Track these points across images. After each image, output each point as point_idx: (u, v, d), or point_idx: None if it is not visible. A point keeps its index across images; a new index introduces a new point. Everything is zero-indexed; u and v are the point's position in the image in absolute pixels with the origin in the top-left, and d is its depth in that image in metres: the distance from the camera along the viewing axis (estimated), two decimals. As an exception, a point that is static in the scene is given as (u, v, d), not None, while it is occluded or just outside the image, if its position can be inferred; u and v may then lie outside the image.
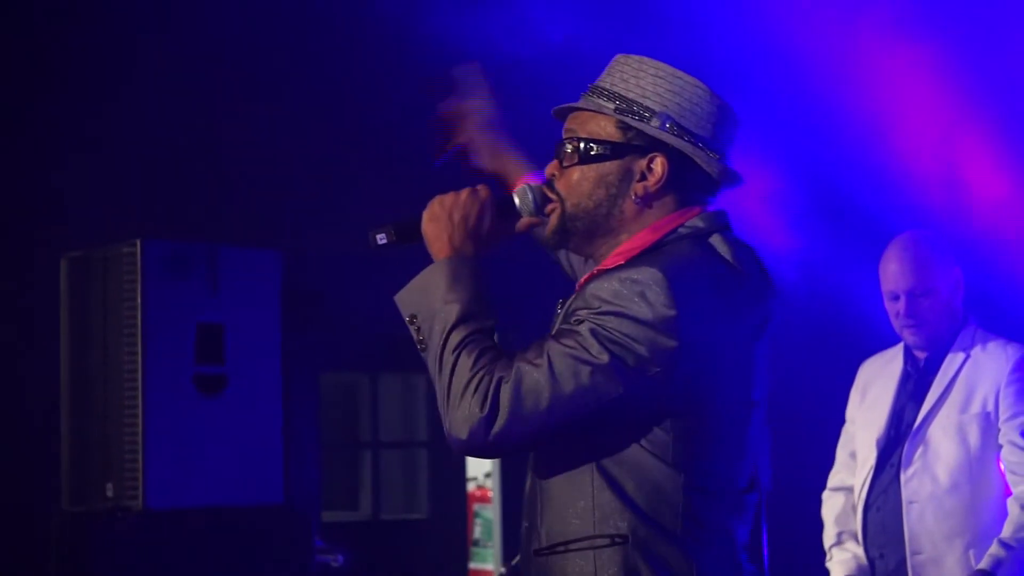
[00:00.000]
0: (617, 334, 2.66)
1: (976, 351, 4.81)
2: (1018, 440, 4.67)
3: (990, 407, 4.73)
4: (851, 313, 5.76)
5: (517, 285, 3.48)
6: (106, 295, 5.20)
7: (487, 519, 8.66)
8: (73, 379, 5.33)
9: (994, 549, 4.60)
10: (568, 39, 6.33)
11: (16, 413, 5.74)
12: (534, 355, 2.69)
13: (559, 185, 2.91)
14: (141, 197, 5.95)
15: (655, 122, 2.84)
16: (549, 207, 2.94)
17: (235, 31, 6.24)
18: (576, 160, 2.88)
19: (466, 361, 2.69)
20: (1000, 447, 4.71)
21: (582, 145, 2.87)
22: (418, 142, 6.84)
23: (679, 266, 2.74)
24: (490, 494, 8.09)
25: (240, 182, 6.23)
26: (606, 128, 2.87)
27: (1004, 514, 4.67)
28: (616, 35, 6.24)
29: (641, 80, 2.88)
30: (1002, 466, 4.70)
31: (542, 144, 3.14)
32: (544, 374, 2.66)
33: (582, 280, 2.89)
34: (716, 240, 2.84)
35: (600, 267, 2.86)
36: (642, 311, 2.67)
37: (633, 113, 2.85)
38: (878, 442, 4.87)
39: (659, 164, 2.84)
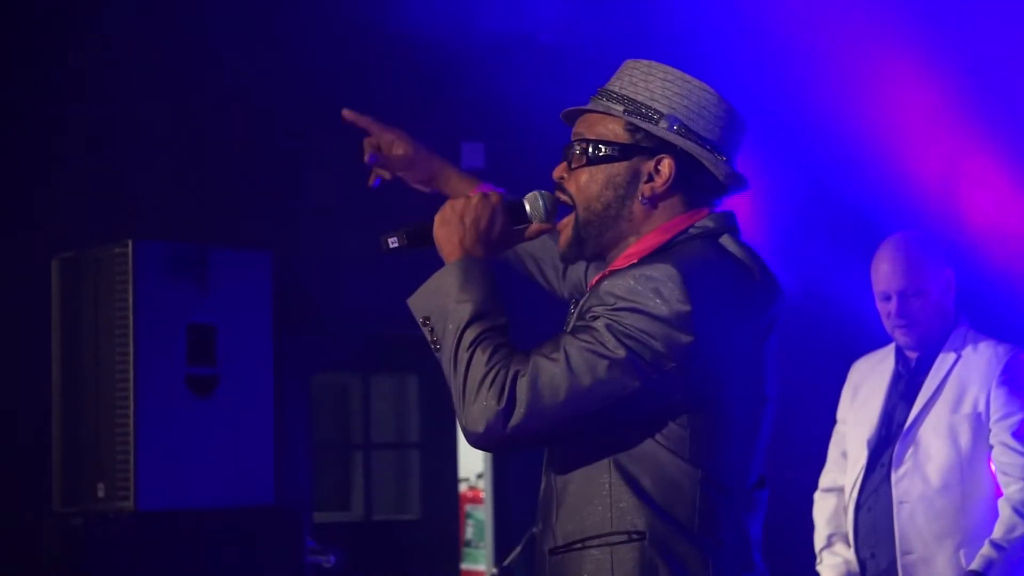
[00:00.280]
0: (633, 329, 2.69)
1: (967, 351, 4.82)
2: (1009, 441, 4.67)
3: (981, 407, 4.74)
4: (843, 313, 5.77)
5: (526, 289, 3.48)
6: (97, 296, 5.20)
7: (479, 520, 8.66)
8: (64, 380, 5.32)
9: (985, 550, 4.61)
10: (560, 39, 6.34)
11: (7, 414, 5.74)
12: (550, 350, 2.72)
13: (568, 186, 2.95)
14: (133, 198, 5.95)
15: (663, 124, 2.88)
16: (563, 222, 2.97)
17: (227, 32, 6.24)
18: (584, 161, 2.91)
19: (481, 357, 2.72)
20: (991, 447, 4.71)
21: (590, 147, 2.91)
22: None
23: (693, 263, 2.77)
24: (482, 495, 8.09)
25: (232, 183, 6.23)
26: (614, 130, 2.91)
27: (995, 514, 4.67)
28: (611, 36, 6.24)
29: (650, 83, 2.92)
30: (993, 467, 4.71)
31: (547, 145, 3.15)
32: (561, 368, 2.69)
33: (593, 281, 2.92)
34: (726, 240, 2.89)
35: (611, 267, 2.89)
36: (658, 307, 2.70)
37: (641, 115, 2.89)
38: (869, 442, 4.87)
39: (666, 166, 2.88)
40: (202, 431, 5.19)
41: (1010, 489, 4.65)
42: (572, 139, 2.96)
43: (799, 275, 6.17)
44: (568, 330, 2.79)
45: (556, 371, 2.69)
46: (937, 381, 4.81)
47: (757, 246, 2.94)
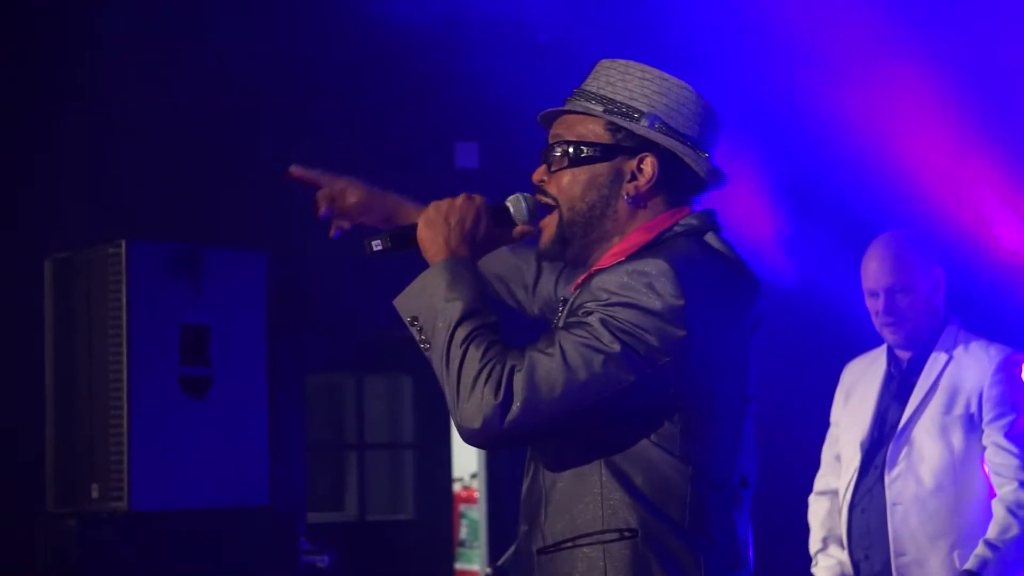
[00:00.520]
0: (628, 324, 2.69)
1: (959, 352, 4.82)
2: (1002, 441, 4.68)
3: (974, 408, 4.74)
4: (837, 315, 5.77)
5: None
6: (91, 296, 5.19)
7: (473, 520, 8.66)
8: (58, 381, 5.31)
9: (980, 550, 4.61)
10: (556, 38, 6.34)
11: (0, 414, 5.72)
12: (545, 345, 2.71)
13: (549, 189, 2.93)
14: (126, 198, 5.94)
15: (644, 122, 2.87)
16: (545, 220, 2.96)
17: (222, 33, 6.23)
18: (566, 163, 2.90)
19: (475, 353, 2.70)
20: (984, 448, 4.72)
21: (571, 148, 2.89)
22: (405, 144, 6.88)
23: (683, 259, 2.77)
24: (476, 495, 8.09)
25: (226, 183, 6.22)
26: (595, 130, 2.90)
27: (988, 515, 4.67)
28: (607, 36, 6.24)
29: (628, 82, 2.91)
30: (986, 468, 4.71)
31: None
32: (557, 363, 2.67)
33: (580, 279, 2.91)
34: (710, 238, 2.88)
35: (597, 266, 2.88)
36: (651, 301, 2.70)
37: (622, 114, 2.88)
38: (862, 444, 4.87)
39: (649, 164, 2.87)
40: (196, 431, 5.18)
41: (1004, 490, 4.66)
42: (551, 141, 2.94)
43: (793, 276, 6.18)
44: (560, 326, 2.78)
45: (552, 366, 2.68)
46: (929, 382, 4.81)
47: (738, 244, 2.93)
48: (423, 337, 2.78)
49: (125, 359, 5.07)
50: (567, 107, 2.94)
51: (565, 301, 2.94)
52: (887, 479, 4.77)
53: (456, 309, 2.74)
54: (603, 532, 2.75)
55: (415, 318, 2.79)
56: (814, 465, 5.10)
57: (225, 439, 5.24)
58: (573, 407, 2.69)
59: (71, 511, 5.20)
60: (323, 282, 6.41)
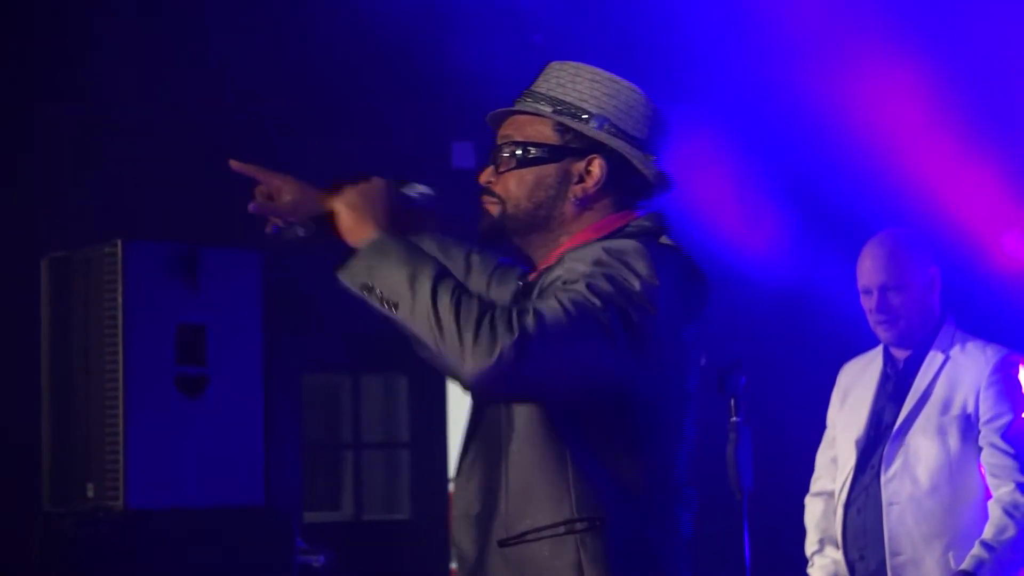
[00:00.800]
0: (611, 294, 2.69)
1: (955, 352, 4.82)
2: (999, 442, 4.68)
3: (970, 409, 4.74)
4: (833, 315, 5.77)
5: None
6: (87, 296, 5.19)
7: (469, 520, 8.64)
8: (54, 380, 5.31)
9: (976, 551, 4.62)
10: (549, 38, 6.34)
11: (-4, 414, 5.72)
12: (538, 301, 2.69)
13: (496, 190, 2.93)
14: (122, 198, 5.94)
15: (593, 124, 2.87)
16: (489, 205, 2.94)
17: (218, 33, 6.23)
18: (514, 164, 2.90)
19: (469, 303, 2.66)
20: (980, 449, 4.72)
21: (519, 149, 2.89)
22: (402, 144, 6.88)
23: (653, 245, 2.79)
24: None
25: (222, 183, 6.21)
26: (543, 131, 2.90)
27: (984, 516, 4.67)
28: (601, 36, 6.24)
29: (578, 84, 2.90)
30: (983, 468, 4.71)
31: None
32: (559, 310, 2.65)
33: (545, 263, 2.90)
34: (664, 240, 2.89)
35: (544, 264, 2.89)
36: (630, 277, 2.71)
37: (571, 115, 2.87)
38: (858, 443, 4.87)
39: (597, 166, 2.87)
40: (192, 431, 5.18)
41: (1000, 491, 4.66)
42: (499, 142, 2.94)
43: (789, 278, 6.18)
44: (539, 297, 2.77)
45: (557, 310, 2.65)
46: (926, 382, 4.81)
47: (687, 247, 2.95)
48: (386, 297, 2.71)
49: (121, 358, 5.07)
50: (516, 108, 2.93)
51: (527, 286, 2.92)
52: (883, 479, 4.77)
53: (429, 269, 2.70)
54: (574, 521, 2.73)
55: (367, 285, 2.73)
56: (810, 466, 5.10)
57: (221, 438, 5.24)
58: (574, 358, 2.66)
59: (67, 510, 5.20)
60: (319, 282, 6.40)
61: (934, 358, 4.83)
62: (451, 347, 2.64)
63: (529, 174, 2.88)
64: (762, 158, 6.27)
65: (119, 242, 5.11)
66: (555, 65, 2.96)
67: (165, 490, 5.14)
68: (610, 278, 2.70)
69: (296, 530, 5.76)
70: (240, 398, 5.31)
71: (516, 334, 2.61)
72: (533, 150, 2.88)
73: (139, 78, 6.06)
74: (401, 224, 2.91)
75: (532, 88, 2.94)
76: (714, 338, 4.89)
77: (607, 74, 2.92)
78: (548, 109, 2.89)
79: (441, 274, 2.70)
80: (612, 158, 2.87)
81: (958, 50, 5.96)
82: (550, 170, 2.87)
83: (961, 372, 4.78)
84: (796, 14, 6.03)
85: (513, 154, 2.89)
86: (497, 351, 2.60)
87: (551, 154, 2.88)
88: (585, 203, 2.88)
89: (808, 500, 5.06)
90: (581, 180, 2.87)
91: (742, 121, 6.29)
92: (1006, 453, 4.67)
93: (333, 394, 8.63)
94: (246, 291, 5.35)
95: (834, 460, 4.98)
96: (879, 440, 4.84)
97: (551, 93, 2.90)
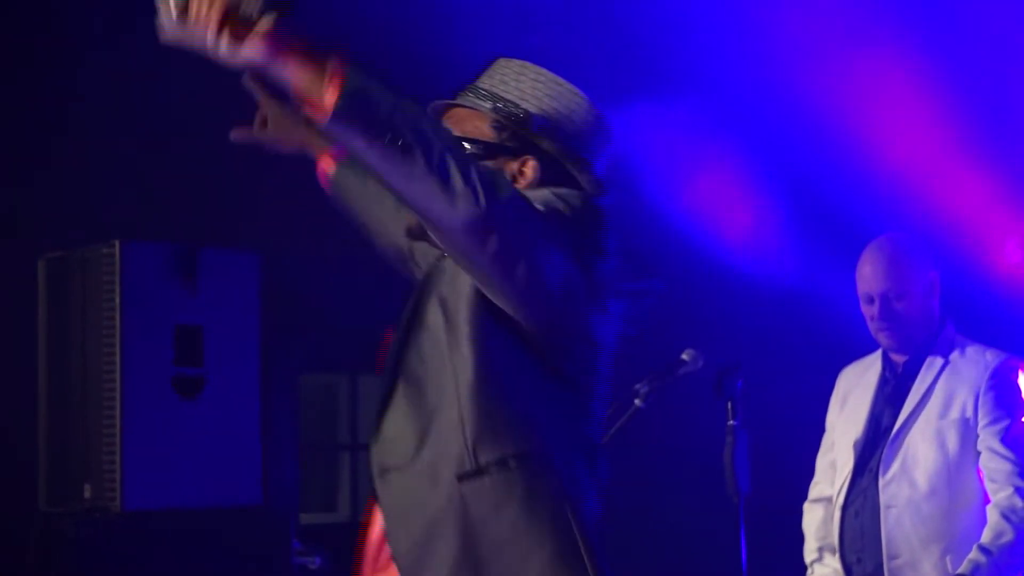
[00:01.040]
0: (564, 217, 2.69)
1: (955, 356, 4.82)
2: (997, 447, 4.68)
3: (969, 413, 4.74)
4: (831, 319, 5.77)
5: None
6: (84, 296, 5.19)
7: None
8: (51, 381, 5.31)
9: (973, 554, 4.61)
10: (546, 40, 6.32)
11: (-7, 415, 5.72)
12: None
13: None
14: (120, 199, 5.93)
15: (531, 124, 2.83)
16: None
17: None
18: None
19: (461, 148, 2.61)
20: (979, 453, 4.72)
21: None
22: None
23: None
24: (469, 496, 8.10)
25: (220, 184, 6.22)
26: (481, 127, 2.86)
27: (982, 520, 4.67)
28: (599, 38, 6.24)
29: (521, 83, 2.87)
30: (981, 473, 4.71)
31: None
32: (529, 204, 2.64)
33: None
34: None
35: None
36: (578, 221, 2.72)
37: (509, 113, 2.83)
38: (856, 445, 4.87)
39: (531, 167, 2.84)
40: (189, 432, 5.18)
41: (999, 495, 4.66)
42: None
43: (789, 281, 6.18)
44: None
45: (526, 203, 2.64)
46: (925, 386, 4.81)
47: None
48: (394, 138, 2.51)
49: (118, 359, 5.06)
50: (457, 101, 2.91)
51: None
52: (881, 482, 4.77)
53: (418, 110, 2.58)
54: (518, 456, 2.71)
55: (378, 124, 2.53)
56: (808, 471, 5.09)
57: (218, 439, 5.24)
58: (540, 245, 2.62)
59: (64, 511, 5.20)
60: (316, 282, 6.40)
61: (933, 362, 4.83)
62: (446, 190, 2.52)
63: None
64: (760, 160, 6.26)
65: (117, 243, 5.10)
66: (502, 62, 2.93)
67: (162, 490, 5.14)
68: (558, 215, 2.69)
69: (292, 531, 5.76)
70: (237, 399, 5.31)
71: (507, 193, 2.58)
72: (468, 146, 2.82)
73: (137, 78, 6.06)
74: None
75: (475, 83, 2.91)
76: (711, 341, 4.90)
77: (552, 75, 2.89)
78: (487, 105, 2.85)
79: (425, 110, 2.66)
80: (546, 160, 2.84)
81: (959, 52, 5.96)
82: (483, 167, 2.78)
83: (960, 376, 4.78)
84: (799, 16, 6.03)
85: None
86: (484, 201, 2.52)
87: (486, 151, 2.83)
88: None
89: (807, 506, 5.05)
90: (514, 180, 2.82)
91: (742, 123, 6.28)
92: (1005, 458, 4.67)
93: (330, 395, 8.62)
94: (243, 292, 5.35)
95: (832, 465, 4.98)
96: (877, 443, 4.84)
97: (493, 89, 2.87)
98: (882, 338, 4.87)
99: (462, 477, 2.71)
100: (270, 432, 5.61)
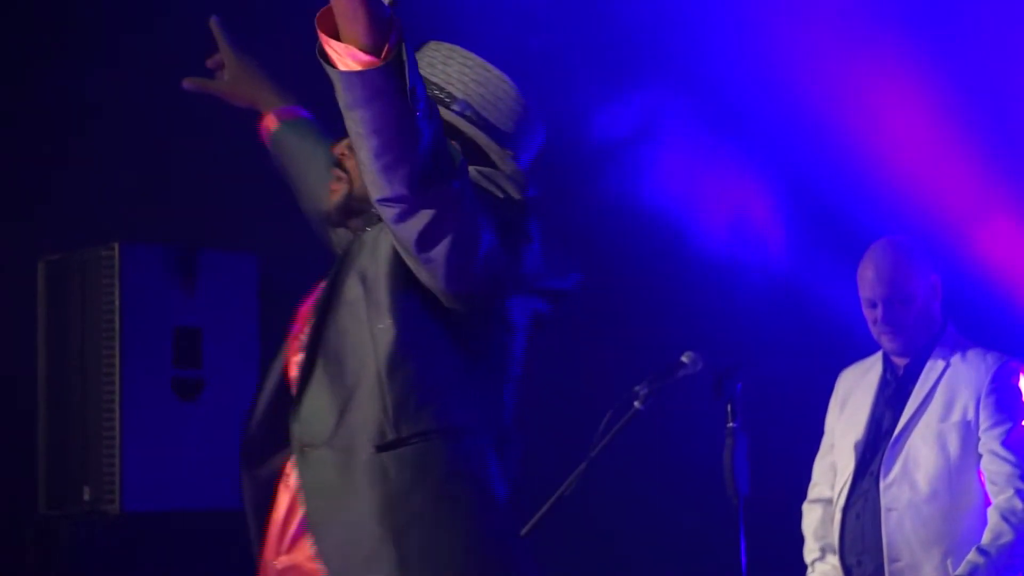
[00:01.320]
0: (495, 200, 2.69)
1: (956, 359, 4.82)
2: (998, 449, 4.67)
3: (970, 416, 4.74)
4: (831, 320, 5.77)
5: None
6: (84, 298, 5.19)
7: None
8: (50, 382, 5.31)
9: (972, 556, 4.61)
10: (546, 43, 6.32)
11: (-8, 417, 5.72)
12: None
13: (347, 163, 2.88)
14: (119, 200, 5.93)
15: (455, 108, 2.81)
16: (335, 184, 2.90)
17: (212, 34, 6.22)
18: None
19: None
20: (980, 456, 4.71)
21: None
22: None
23: None
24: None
25: (219, 185, 6.21)
26: None
27: (983, 523, 4.66)
28: (599, 40, 6.24)
29: (448, 66, 2.85)
30: (983, 475, 4.71)
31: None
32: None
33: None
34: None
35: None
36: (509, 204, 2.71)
37: (433, 96, 2.80)
38: (856, 447, 4.87)
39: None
40: (188, 433, 5.18)
41: (999, 498, 4.65)
42: None
43: (788, 282, 6.18)
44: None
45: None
46: (926, 389, 4.81)
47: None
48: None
49: (118, 361, 5.07)
50: None
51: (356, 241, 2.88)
52: (882, 485, 4.76)
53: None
54: (436, 431, 2.69)
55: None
56: (807, 472, 5.09)
57: (217, 441, 5.23)
58: (475, 223, 2.60)
59: (63, 513, 5.20)
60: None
61: (934, 365, 4.83)
62: (415, 152, 2.53)
63: None
64: (761, 162, 6.26)
65: (116, 245, 5.11)
66: (432, 45, 2.90)
67: (161, 492, 5.14)
68: (488, 194, 2.69)
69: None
70: (236, 401, 5.29)
71: (454, 171, 2.56)
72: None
73: (136, 79, 6.06)
74: None
75: None
76: (711, 343, 4.90)
77: (480, 61, 2.86)
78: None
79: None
80: (468, 146, 2.80)
81: (963, 55, 5.95)
82: None
83: (961, 379, 4.78)
84: (801, 19, 6.03)
85: None
86: (441, 173, 2.54)
87: None
88: None
89: (805, 507, 5.05)
90: None
91: (742, 123, 6.28)
92: (1006, 460, 4.66)
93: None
94: (242, 294, 5.35)
95: (832, 466, 4.98)
96: (878, 445, 4.84)
97: (420, 71, 2.80)
98: (884, 341, 4.87)
99: (382, 448, 2.69)
100: (269, 434, 5.59)
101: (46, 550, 5.22)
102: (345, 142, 2.89)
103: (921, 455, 4.75)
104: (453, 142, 2.72)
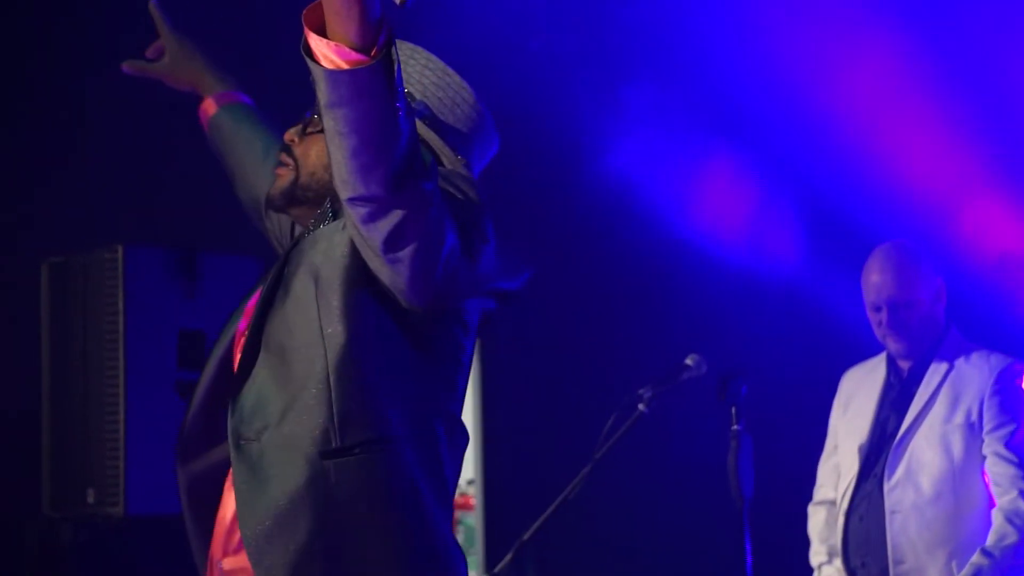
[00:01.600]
0: (459, 202, 2.66)
1: (959, 361, 4.82)
2: (1002, 451, 4.67)
3: (974, 417, 4.74)
4: (835, 323, 5.77)
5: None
6: (87, 301, 5.18)
7: (469, 526, 8.64)
8: (54, 385, 5.30)
9: (976, 558, 4.61)
10: (545, 45, 6.33)
11: (-4, 419, 5.72)
12: None
13: (297, 150, 2.86)
14: (122, 203, 5.93)
15: (412, 107, 2.79)
16: (281, 169, 2.88)
17: (218, 38, 6.22)
18: (319, 129, 2.81)
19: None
20: (984, 458, 4.71)
21: None
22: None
23: None
24: (472, 501, 8.08)
25: (222, 188, 6.21)
26: None
27: (988, 525, 4.67)
28: (599, 42, 6.24)
29: (409, 66, 2.83)
30: (987, 477, 4.71)
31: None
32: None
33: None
34: None
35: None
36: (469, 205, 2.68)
37: None
38: (860, 450, 4.87)
39: None
40: (192, 436, 5.17)
41: (1003, 499, 4.65)
42: (314, 106, 2.84)
43: (792, 284, 6.17)
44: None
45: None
46: (930, 391, 4.81)
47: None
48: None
49: (122, 364, 5.06)
50: None
51: (305, 237, 2.85)
52: (886, 487, 4.76)
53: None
54: (386, 439, 2.67)
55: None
56: (812, 474, 5.09)
57: (221, 444, 5.23)
58: (442, 223, 2.57)
59: (67, 516, 5.19)
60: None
61: (938, 367, 4.83)
62: (392, 152, 2.50)
63: None
64: (765, 165, 6.25)
65: (120, 247, 5.10)
66: (396, 43, 2.90)
67: (165, 495, 5.12)
68: (449, 195, 2.66)
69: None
70: (239, 404, 5.30)
71: (425, 171, 2.55)
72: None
73: (139, 82, 6.06)
74: None
75: None
76: (715, 346, 4.90)
77: (442, 64, 2.85)
78: None
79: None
80: (424, 148, 2.77)
81: (967, 57, 5.95)
82: None
83: (965, 381, 4.78)
84: (804, 21, 6.02)
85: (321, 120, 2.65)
86: (415, 175, 2.52)
87: None
88: None
89: (811, 509, 5.05)
90: None
91: (747, 127, 6.28)
92: (1009, 461, 4.66)
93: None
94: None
95: (836, 468, 4.97)
96: (882, 448, 4.84)
97: None
98: (889, 344, 4.88)
99: (327, 454, 2.66)
100: (273, 437, 5.59)
101: (49, 553, 5.21)
102: (296, 128, 2.88)
103: (925, 457, 4.75)
104: None
